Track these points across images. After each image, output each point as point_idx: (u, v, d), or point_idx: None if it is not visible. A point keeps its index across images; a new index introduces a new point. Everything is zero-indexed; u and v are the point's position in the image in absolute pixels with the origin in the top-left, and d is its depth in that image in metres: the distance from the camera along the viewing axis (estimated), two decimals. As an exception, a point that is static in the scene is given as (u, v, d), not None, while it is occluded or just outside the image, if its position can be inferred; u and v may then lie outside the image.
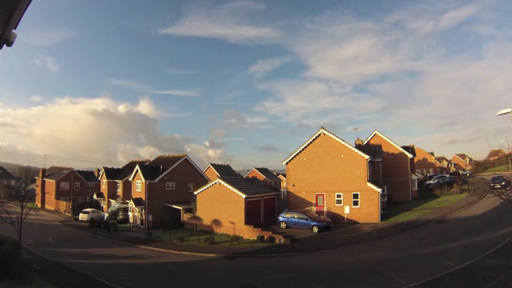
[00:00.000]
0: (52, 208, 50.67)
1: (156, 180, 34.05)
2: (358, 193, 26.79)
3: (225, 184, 27.71)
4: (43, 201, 53.93)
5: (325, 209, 28.04)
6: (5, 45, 5.20)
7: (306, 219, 24.83)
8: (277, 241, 22.49)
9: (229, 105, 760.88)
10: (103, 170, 47.85)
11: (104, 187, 47.17)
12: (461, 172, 68.95)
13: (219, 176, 38.77)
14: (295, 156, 30.38)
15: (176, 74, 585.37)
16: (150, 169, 35.92)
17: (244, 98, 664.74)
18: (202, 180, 38.30)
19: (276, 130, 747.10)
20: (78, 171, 56.28)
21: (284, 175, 37.16)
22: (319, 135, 29.41)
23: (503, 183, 29.73)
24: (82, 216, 38.23)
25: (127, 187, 40.47)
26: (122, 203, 39.95)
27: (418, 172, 56.58)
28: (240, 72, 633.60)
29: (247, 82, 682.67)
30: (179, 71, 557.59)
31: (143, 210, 33.67)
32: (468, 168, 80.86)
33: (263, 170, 68.49)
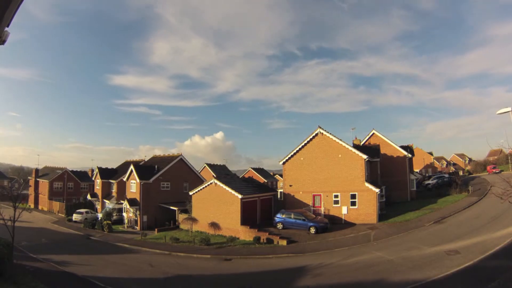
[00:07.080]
0: (45, 209, 49.92)
1: (151, 180, 33.71)
2: (356, 193, 26.70)
3: (221, 185, 27.50)
4: (36, 202, 53.10)
5: (322, 209, 27.92)
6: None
7: (303, 220, 24.70)
8: (274, 242, 22.39)
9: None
10: (97, 170, 47.22)
11: (98, 188, 46.57)
12: (460, 172, 69.15)
13: (215, 176, 38.43)
14: (292, 156, 30.22)
15: None
16: (145, 169, 35.54)
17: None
18: (197, 180, 38.06)
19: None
20: (72, 171, 55.52)
21: (281, 175, 37.06)
22: (316, 134, 29.31)
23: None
24: (75, 217, 37.74)
25: (122, 187, 40.01)
26: (116, 203, 39.47)
27: (417, 172, 56.96)
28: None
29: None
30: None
31: (137, 210, 33.32)
32: (467, 168, 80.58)
33: (259, 170, 68.63)
